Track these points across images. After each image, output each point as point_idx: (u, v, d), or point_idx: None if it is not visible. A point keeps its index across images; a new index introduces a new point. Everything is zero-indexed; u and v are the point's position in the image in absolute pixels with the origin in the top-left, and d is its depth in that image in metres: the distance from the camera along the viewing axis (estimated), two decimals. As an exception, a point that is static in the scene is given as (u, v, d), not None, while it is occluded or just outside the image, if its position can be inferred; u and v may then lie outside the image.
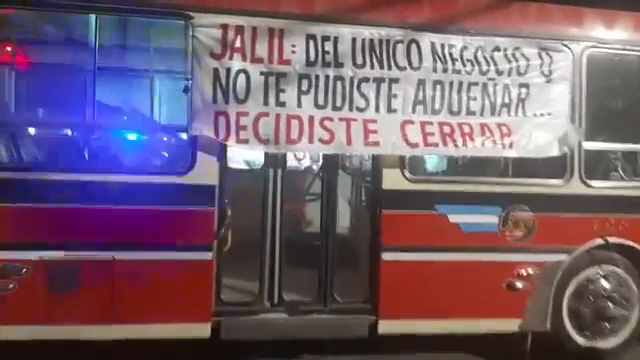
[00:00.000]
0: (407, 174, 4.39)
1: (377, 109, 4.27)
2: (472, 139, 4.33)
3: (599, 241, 4.59)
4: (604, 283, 4.68)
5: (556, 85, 4.56)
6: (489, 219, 4.45)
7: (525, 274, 4.51)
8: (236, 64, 4.10)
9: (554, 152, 4.47)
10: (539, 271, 4.52)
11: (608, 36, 4.74)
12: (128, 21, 4.63)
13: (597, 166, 4.90)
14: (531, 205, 4.48)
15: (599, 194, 4.60)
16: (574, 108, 4.59)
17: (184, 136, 4.19)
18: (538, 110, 4.50)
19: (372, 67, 4.27)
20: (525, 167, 4.66)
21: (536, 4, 4.73)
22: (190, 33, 4.07)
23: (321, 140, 4.15)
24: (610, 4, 4.87)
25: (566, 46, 4.60)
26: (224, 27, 4.10)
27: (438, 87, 4.35)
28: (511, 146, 4.40)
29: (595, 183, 4.65)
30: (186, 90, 4.11)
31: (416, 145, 4.25)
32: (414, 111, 4.32)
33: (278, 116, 4.13)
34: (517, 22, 4.62)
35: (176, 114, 4.23)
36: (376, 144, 4.21)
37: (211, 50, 4.08)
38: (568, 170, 4.58)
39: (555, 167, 4.59)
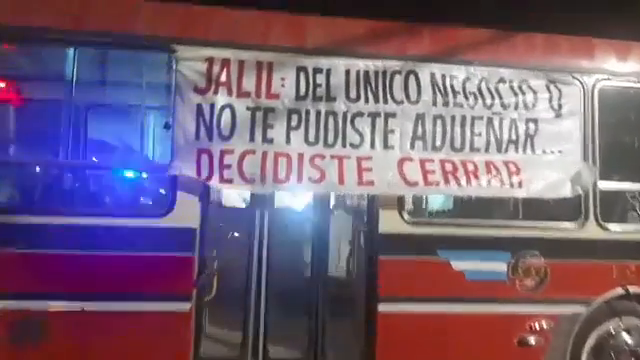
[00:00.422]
0: (406, 216, 4.10)
1: (372, 145, 4.00)
2: (477, 178, 4.02)
3: (619, 291, 4.23)
4: (626, 337, 4.31)
5: (566, 120, 4.28)
6: (497, 266, 4.11)
7: (538, 328, 4.15)
8: (221, 99, 3.89)
9: (567, 192, 4.17)
10: (554, 324, 4.17)
11: (621, 68, 4.47)
12: (109, 55, 4.41)
13: (614, 208, 4.60)
14: (543, 251, 4.15)
15: (617, 238, 4.30)
16: (586, 145, 4.31)
17: (164, 175, 3.88)
18: (548, 147, 4.23)
19: (367, 101, 4.03)
20: (536, 209, 4.38)
21: (543, 35, 4.47)
22: (173, 67, 3.88)
23: (311, 179, 3.86)
24: (621, 35, 4.59)
25: (576, 79, 4.35)
26: (209, 60, 3.91)
27: (439, 122, 4.09)
28: (520, 185, 4.09)
29: (613, 226, 4.33)
30: (167, 127, 3.88)
31: (415, 184, 3.94)
32: (413, 147, 4.04)
33: (265, 154, 3.87)
34: (523, 53, 4.37)
35: (156, 152, 3.93)
36: (371, 183, 3.90)
37: (195, 84, 3.88)
38: (582, 212, 4.27)
39: (568, 209, 4.29)
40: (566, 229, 4.25)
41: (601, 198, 4.29)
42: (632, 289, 4.21)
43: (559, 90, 4.28)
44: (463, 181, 3.98)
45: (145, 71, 4.05)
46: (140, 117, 4.01)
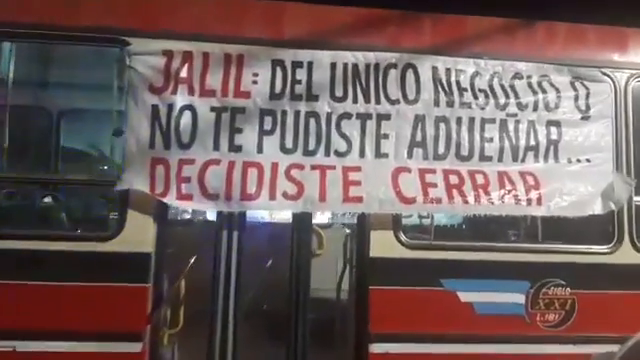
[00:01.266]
0: (403, 237, 3.53)
1: (362, 154, 3.48)
2: (487, 193, 3.47)
3: (661, 326, 3.72)
4: (670, 383, 3.74)
5: (595, 124, 3.74)
6: (513, 298, 3.58)
7: (563, 371, 3.61)
8: (180, 99, 3.38)
9: (597, 209, 3.64)
10: (582, 367, 3.62)
11: (661, 62, 3.92)
12: (49, 50, 3.87)
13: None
14: (568, 279, 3.62)
15: (658, 263, 3.79)
16: (619, 153, 3.77)
17: (112, 190, 3.33)
18: (574, 155, 3.70)
19: (355, 100, 3.51)
20: (559, 229, 3.82)
21: (566, 24, 3.90)
22: (126, 63, 3.38)
23: (286, 195, 3.32)
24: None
25: (606, 75, 3.81)
26: (168, 54, 3.41)
27: (442, 125, 3.56)
28: (539, 202, 3.53)
29: (652, 250, 3.79)
30: (118, 133, 3.39)
31: (412, 201, 3.40)
32: (410, 156, 3.51)
33: (232, 164, 3.33)
34: (543, 44, 3.82)
35: (103, 162, 3.40)
36: (358, 200, 3.35)
37: (150, 82, 3.38)
38: (616, 233, 3.72)
39: (599, 229, 3.77)
40: (596, 253, 3.71)
41: (638, 216, 3.74)
42: (677, 325, 3.68)
43: (586, 88, 3.74)
44: (471, 197, 3.44)
45: (94, 69, 3.50)
46: (86, 122, 3.46)
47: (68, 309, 3.19)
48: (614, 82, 3.78)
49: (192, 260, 3.60)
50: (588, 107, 3.72)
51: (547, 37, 3.83)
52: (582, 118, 3.70)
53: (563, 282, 3.58)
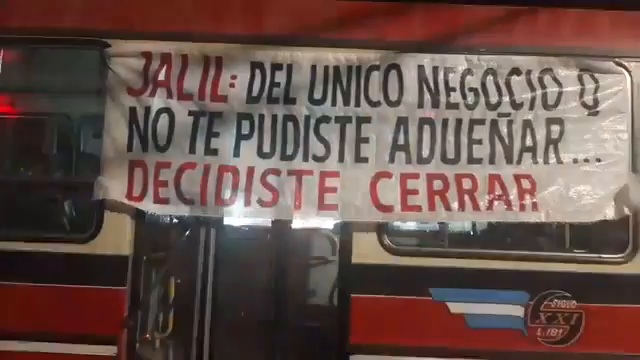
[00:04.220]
0: (387, 242, 3.49)
1: (341, 158, 3.50)
2: (473, 198, 3.40)
3: (681, 345, 3.48)
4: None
5: (606, 119, 3.57)
6: (510, 310, 3.45)
7: (567, 393, 3.42)
8: (158, 101, 3.53)
9: (608, 215, 3.48)
10: (589, 389, 3.42)
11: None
12: (32, 53, 4.09)
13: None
14: (575, 291, 3.45)
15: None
16: (636, 152, 3.56)
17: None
18: (580, 154, 3.55)
19: (334, 102, 3.53)
20: (566, 235, 3.65)
21: (573, 10, 3.70)
22: (106, 65, 3.55)
23: (260, 202, 3.41)
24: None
25: (621, 65, 3.60)
26: (146, 56, 3.56)
27: (426, 127, 3.52)
28: (535, 207, 3.42)
29: (672, 259, 3.55)
30: (99, 135, 3.56)
31: (389, 209, 3.40)
32: (392, 160, 3.50)
33: (207, 168, 3.44)
34: (547, 34, 3.66)
35: (85, 163, 3.59)
36: (333, 208, 3.41)
37: (128, 85, 3.54)
38: (630, 241, 3.52)
39: (611, 236, 3.63)
40: (608, 262, 3.52)
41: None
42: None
43: (595, 81, 3.57)
44: (454, 203, 3.40)
45: (75, 72, 3.68)
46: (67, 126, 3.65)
47: (45, 310, 3.35)
48: (630, 73, 3.56)
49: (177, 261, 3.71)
50: (597, 102, 3.54)
51: (552, 25, 3.66)
52: (589, 114, 3.53)
53: (568, 294, 3.42)
